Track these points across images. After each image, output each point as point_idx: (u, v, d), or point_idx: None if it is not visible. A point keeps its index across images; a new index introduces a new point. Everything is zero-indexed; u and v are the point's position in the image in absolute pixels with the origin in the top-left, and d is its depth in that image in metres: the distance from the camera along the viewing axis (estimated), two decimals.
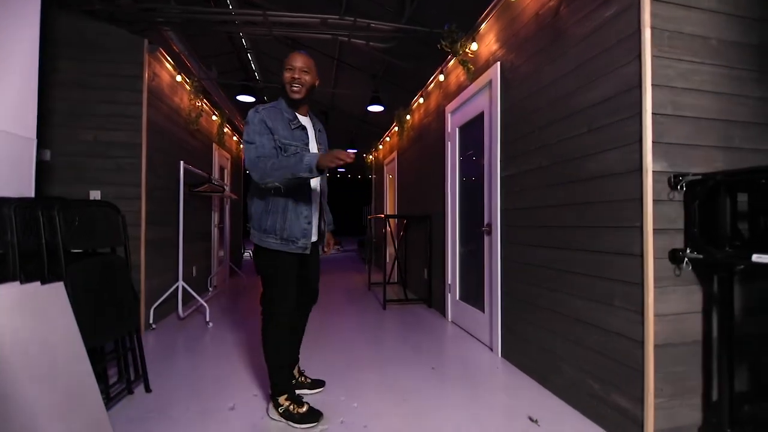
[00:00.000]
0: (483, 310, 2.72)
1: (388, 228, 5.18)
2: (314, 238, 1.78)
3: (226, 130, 5.38)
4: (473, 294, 2.96)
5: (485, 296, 2.68)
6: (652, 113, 1.44)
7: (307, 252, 1.70)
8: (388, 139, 5.94)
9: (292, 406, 1.65)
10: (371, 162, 7.69)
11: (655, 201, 1.44)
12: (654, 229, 1.44)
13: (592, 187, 1.70)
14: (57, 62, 2.84)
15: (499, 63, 2.47)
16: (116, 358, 1.88)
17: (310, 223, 1.69)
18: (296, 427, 1.62)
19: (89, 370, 1.36)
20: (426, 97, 3.99)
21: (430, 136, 3.87)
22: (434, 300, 3.75)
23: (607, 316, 1.61)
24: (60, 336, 1.27)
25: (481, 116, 2.78)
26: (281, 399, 1.67)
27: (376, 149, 6.96)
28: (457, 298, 3.20)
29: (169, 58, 3.34)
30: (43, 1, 1.82)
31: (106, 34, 2.92)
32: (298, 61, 1.64)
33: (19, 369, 1.08)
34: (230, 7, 4.29)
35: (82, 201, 1.67)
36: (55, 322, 1.26)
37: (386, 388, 2.01)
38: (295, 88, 1.64)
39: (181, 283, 3.16)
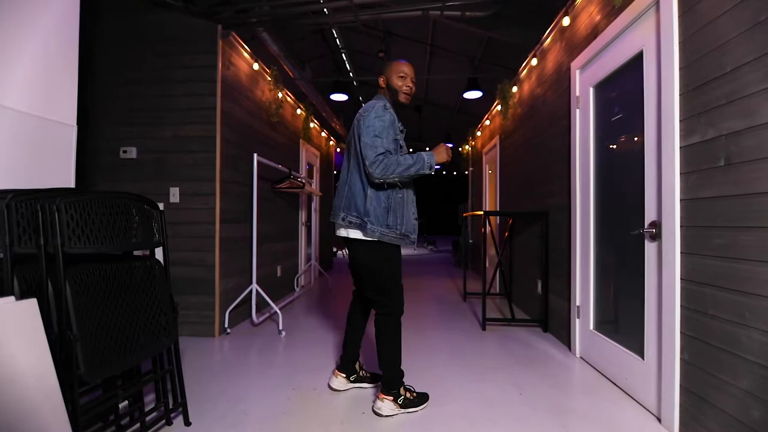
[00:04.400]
0: (641, 355, 1.79)
1: (488, 228, 4.36)
2: None
3: (312, 125, 5.21)
4: (622, 326, 2.03)
5: (647, 334, 1.75)
6: None
7: (415, 249, 1.78)
8: (487, 122, 5.08)
9: (409, 394, 1.73)
10: (467, 153, 6.86)
11: None
12: None
13: None
14: (140, 60, 2.82)
15: None
16: (154, 380, 1.58)
17: (417, 219, 1.76)
18: (416, 410, 1.71)
19: (57, 410, 0.99)
20: (541, 57, 3.09)
21: (547, 108, 2.97)
22: (552, 323, 2.85)
23: None
24: (19, 367, 0.92)
25: (636, 60, 1.85)
26: (401, 390, 1.71)
27: (473, 137, 6.12)
28: (591, 327, 2.28)
29: (245, 45, 3.14)
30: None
31: (183, 25, 2.80)
32: (410, 70, 1.74)
33: None
34: None
35: (105, 193, 1.37)
36: (13, 350, 0.92)
37: None
38: (408, 96, 1.75)
39: (254, 286, 2.91)
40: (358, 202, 1.64)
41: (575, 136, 2.43)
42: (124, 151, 2.83)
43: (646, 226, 1.73)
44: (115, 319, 1.33)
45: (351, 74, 7.34)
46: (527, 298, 3.42)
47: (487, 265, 4.82)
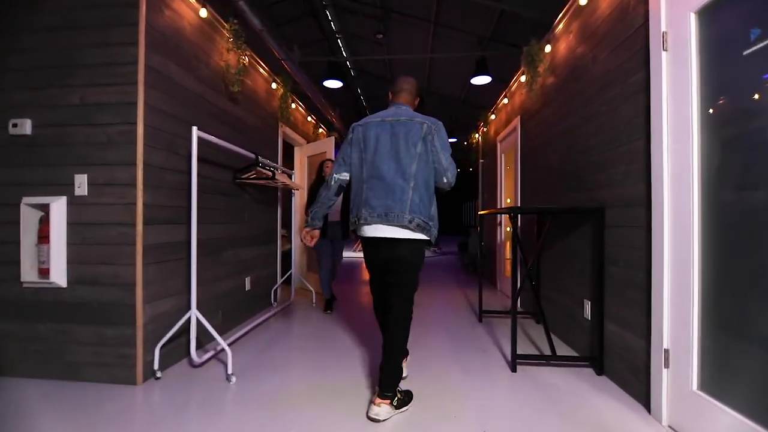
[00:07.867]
0: None
1: (512, 229, 3.54)
2: None
3: (294, 105, 4.40)
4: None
5: None
6: None
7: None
8: (505, 101, 4.26)
9: (401, 394, 1.67)
10: (477, 143, 6.05)
11: None
12: None
13: None
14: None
15: None
16: None
17: None
18: (406, 409, 1.66)
19: None
20: None
21: (599, 66, 2.16)
22: (612, 364, 2.04)
23: None
24: None
25: None
26: (399, 393, 1.66)
27: (486, 123, 5.30)
28: (694, 387, 1.47)
29: None
30: None
31: None
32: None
33: None
34: None
35: None
36: None
37: None
38: None
39: (194, 312, 2.10)
40: (426, 205, 1.66)
41: (661, 94, 1.61)
42: (14, 125, 2.03)
43: None
44: None
45: (348, 62, 6.61)
46: (567, 323, 2.62)
47: (513, 276, 4.01)
